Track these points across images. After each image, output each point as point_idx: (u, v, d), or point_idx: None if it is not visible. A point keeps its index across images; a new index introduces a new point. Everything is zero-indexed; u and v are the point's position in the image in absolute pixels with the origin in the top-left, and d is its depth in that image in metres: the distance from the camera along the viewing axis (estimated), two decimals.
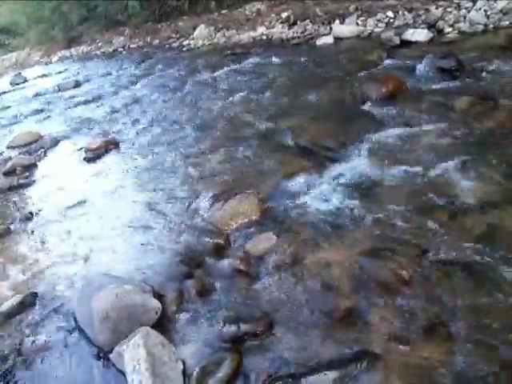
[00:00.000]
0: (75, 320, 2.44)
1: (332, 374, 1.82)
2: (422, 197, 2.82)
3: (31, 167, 5.17)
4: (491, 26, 5.71)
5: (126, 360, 1.96)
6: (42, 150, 5.67)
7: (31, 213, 3.91)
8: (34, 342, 2.41)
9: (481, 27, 5.75)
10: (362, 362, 1.85)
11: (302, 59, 6.55)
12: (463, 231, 2.45)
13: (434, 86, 4.38)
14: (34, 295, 2.75)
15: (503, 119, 3.48)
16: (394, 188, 2.98)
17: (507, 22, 5.62)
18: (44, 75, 12.79)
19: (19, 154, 5.68)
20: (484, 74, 4.34)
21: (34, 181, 4.79)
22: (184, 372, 2.01)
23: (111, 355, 2.13)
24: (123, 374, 1.99)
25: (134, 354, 1.96)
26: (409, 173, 3.10)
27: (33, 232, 3.62)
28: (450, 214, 2.61)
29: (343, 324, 2.07)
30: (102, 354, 2.20)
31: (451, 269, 2.22)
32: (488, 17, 5.87)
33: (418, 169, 3.11)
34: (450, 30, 6.05)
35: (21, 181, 4.79)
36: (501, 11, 5.82)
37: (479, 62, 4.57)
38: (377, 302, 2.14)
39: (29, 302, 2.70)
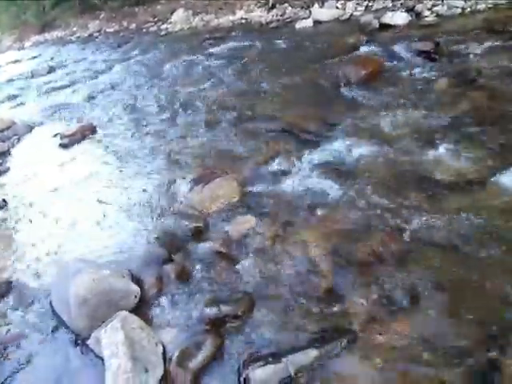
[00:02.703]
0: (51, 307, 2.40)
1: (313, 353, 1.84)
2: (399, 177, 2.84)
3: (4, 154, 5.02)
4: (468, 9, 5.75)
5: (104, 345, 1.93)
6: (16, 136, 5.49)
7: (5, 200, 3.81)
8: (8, 330, 2.36)
9: (458, 10, 5.78)
10: (342, 339, 1.88)
11: (282, 43, 6.49)
12: (440, 210, 2.48)
13: (412, 69, 4.38)
14: (8, 283, 2.69)
15: (480, 100, 3.52)
16: (373, 169, 3.00)
17: (483, 5, 5.66)
18: (17, 61, 12.36)
19: None
20: (461, 56, 4.36)
21: (8, 168, 4.66)
22: (164, 355, 2.00)
23: (89, 341, 2.10)
24: (102, 359, 1.96)
25: (112, 338, 1.93)
26: (387, 154, 3.12)
27: (6, 219, 3.53)
28: (427, 194, 2.65)
29: (323, 303, 2.09)
30: (79, 340, 2.17)
31: (428, 247, 2.26)
32: (465, 0, 5.90)
33: (397, 150, 3.13)
34: (429, 13, 6.06)
35: None
36: None
37: (457, 45, 4.60)
38: (355, 280, 2.17)
39: (3, 290, 2.63)
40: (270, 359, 1.85)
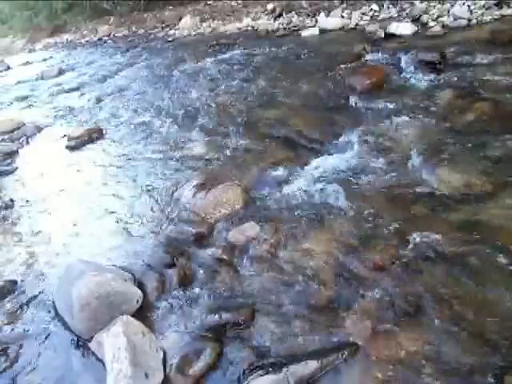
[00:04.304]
0: (54, 308, 2.42)
1: (313, 364, 1.83)
2: (403, 188, 2.84)
3: (13, 154, 5.09)
4: (474, 20, 5.75)
5: (106, 348, 1.95)
6: (25, 137, 5.59)
7: (12, 200, 3.85)
8: (12, 330, 2.38)
9: (464, 22, 5.79)
10: (343, 351, 1.86)
11: (288, 50, 6.52)
12: (443, 222, 2.47)
13: (417, 79, 4.40)
14: (13, 283, 2.71)
15: (485, 112, 3.50)
16: (376, 179, 3.00)
17: (489, 17, 5.66)
18: (27, 63, 12.54)
19: (1, 141, 5.57)
20: (467, 67, 4.37)
21: (16, 168, 4.72)
22: (164, 361, 2.00)
23: (91, 344, 2.12)
24: (103, 362, 1.98)
25: (113, 342, 1.95)
26: (391, 164, 3.12)
27: (13, 219, 3.56)
28: (430, 206, 2.64)
29: (325, 313, 2.08)
30: (81, 343, 2.18)
31: (431, 259, 2.25)
32: (471, 12, 5.91)
33: (400, 160, 3.13)
34: (434, 24, 6.07)
35: (2, 168, 4.71)
36: (483, 6, 5.87)
37: (462, 56, 4.60)
38: (358, 291, 2.16)
39: (7, 289, 2.66)
40: (270, 369, 1.84)
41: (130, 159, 4.22)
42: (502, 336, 1.80)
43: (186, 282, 2.45)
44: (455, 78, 4.20)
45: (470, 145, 3.13)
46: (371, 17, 7.21)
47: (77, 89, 7.58)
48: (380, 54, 5.22)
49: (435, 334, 1.86)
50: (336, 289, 2.20)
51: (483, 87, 3.89)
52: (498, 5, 5.78)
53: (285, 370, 1.82)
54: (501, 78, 3.97)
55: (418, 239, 2.38)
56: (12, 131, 5.83)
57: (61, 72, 9.39)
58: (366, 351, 1.86)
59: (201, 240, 2.78)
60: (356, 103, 4.20)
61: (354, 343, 1.90)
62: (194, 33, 10.37)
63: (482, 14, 5.77)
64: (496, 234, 2.30)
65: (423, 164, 3.04)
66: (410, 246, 2.35)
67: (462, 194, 2.69)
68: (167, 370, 1.96)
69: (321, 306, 2.13)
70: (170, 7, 12.81)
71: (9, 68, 12.52)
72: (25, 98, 7.82)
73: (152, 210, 3.23)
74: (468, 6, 6.00)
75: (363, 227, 2.58)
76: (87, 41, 14.29)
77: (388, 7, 7.21)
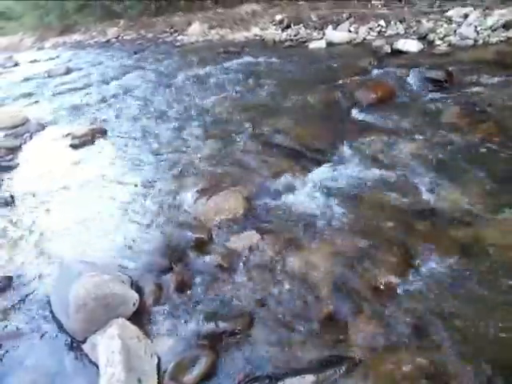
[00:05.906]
0: (50, 307, 2.39)
1: (310, 378, 1.80)
2: (404, 204, 2.84)
3: (16, 150, 5.07)
4: (481, 41, 5.81)
5: (100, 351, 1.93)
6: (28, 133, 5.57)
7: (12, 196, 3.83)
8: (5, 327, 2.35)
9: (470, 42, 5.85)
10: (341, 367, 1.84)
11: (294, 61, 6.57)
12: (445, 241, 2.47)
13: (423, 96, 4.43)
14: (8, 279, 2.69)
15: (490, 132, 3.52)
16: (378, 194, 2.99)
17: (496, 39, 5.72)
18: (35, 60, 12.60)
19: (4, 136, 5.57)
20: (473, 87, 4.39)
21: (18, 164, 4.71)
22: (158, 367, 1.98)
23: (84, 345, 2.09)
24: (96, 365, 1.95)
25: (108, 345, 1.92)
26: (394, 180, 3.12)
27: (12, 215, 3.55)
28: (432, 224, 2.63)
29: (323, 326, 2.06)
30: (75, 344, 2.16)
31: (433, 277, 2.23)
32: (478, 32, 5.97)
33: (403, 177, 3.13)
34: (441, 42, 6.13)
35: (4, 163, 4.69)
36: (490, 28, 5.93)
37: (468, 76, 4.63)
38: (358, 306, 2.14)
39: (2, 286, 2.63)
40: (266, 381, 1.82)
41: (132, 161, 4.21)
42: (504, 356, 1.78)
43: (183, 287, 2.43)
44: (461, 97, 4.22)
45: (473, 165, 3.13)
46: (378, 32, 7.29)
47: (83, 88, 7.60)
48: (386, 70, 5.25)
49: (435, 352, 1.85)
50: (335, 302, 2.18)
51: (488, 107, 3.91)
52: (505, 27, 5.83)
53: (281, 383, 1.79)
54: (506, 99, 4.00)
55: (419, 256, 2.37)
56: (16, 127, 5.82)
57: (68, 71, 9.42)
58: (363, 367, 1.84)
59: (200, 246, 2.77)
60: (361, 117, 4.22)
61: (353, 358, 1.88)
62: (202, 39, 10.46)
63: (489, 36, 5.84)
64: (498, 254, 2.29)
65: (426, 181, 3.04)
66: (411, 262, 2.34)
67: (464, 213, 2.67)
68: (161, 377, 1.93)
69: (320, 318, 2.11)
70: (180, 13, 12.93)
71: (17, 64, 12.59)
72: (31, 94, 7.83)
73: (152, 213, 3.22)
74: (475, 26, 6.06)
75: (364, 241, 2.56)
76: (96, 42, 14.39)
77: (395, 24, 7.27)
